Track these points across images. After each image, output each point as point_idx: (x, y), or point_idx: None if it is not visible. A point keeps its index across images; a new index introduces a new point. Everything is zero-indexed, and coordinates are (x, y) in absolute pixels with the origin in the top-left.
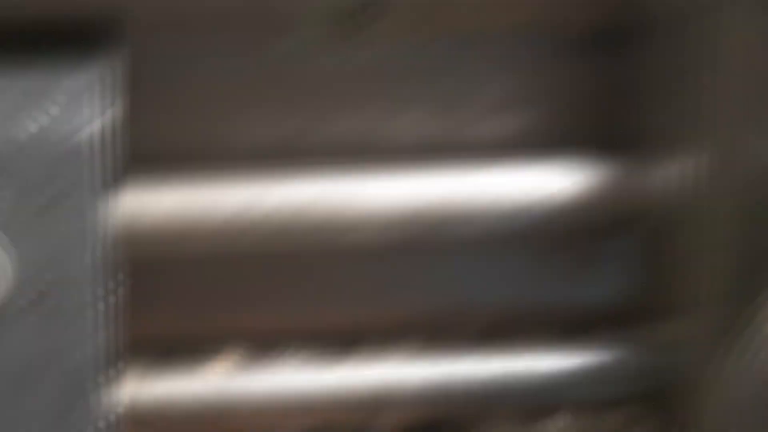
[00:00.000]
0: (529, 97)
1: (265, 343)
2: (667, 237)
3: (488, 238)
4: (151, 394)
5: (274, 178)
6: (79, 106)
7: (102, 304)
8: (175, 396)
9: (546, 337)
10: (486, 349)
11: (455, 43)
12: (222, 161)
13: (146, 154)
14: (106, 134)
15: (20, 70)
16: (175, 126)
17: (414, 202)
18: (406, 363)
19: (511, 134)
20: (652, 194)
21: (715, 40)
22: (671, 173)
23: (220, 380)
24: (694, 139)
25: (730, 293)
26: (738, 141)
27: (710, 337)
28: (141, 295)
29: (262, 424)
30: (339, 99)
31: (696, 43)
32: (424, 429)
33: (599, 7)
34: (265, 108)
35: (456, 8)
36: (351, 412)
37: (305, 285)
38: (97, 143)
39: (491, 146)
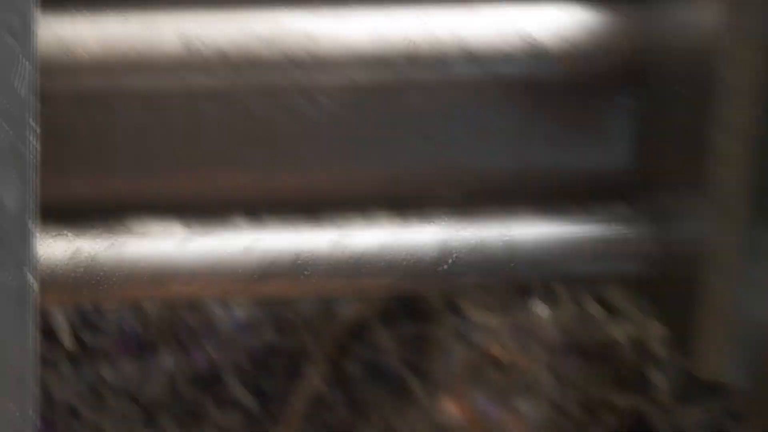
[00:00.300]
0: None
1: (216, 207)
2: (675, 94)
3: (468, 91)
4: (96, 250)
5: (232, 11)
6: None
7: (28, 142)
8: (123, 256)
9: (532, 206)
10: (467, 217)
11: None
12: None
13: None
14: None
15: None
16: None
17: (387, 42)
18: (376, 232)
19: None
20: (658, 42)
21: None
22: (683, 18)
23: (168, 243)
24: None
25: (748, 157)
26: None
27: (723, 208)
28: (75, 142)
29: (213, 290)
30: None
31: None
32: (398, 308)
33: None
34: None
35: None
36: (313, 284)
37: (261, 140)
38: None
39: None
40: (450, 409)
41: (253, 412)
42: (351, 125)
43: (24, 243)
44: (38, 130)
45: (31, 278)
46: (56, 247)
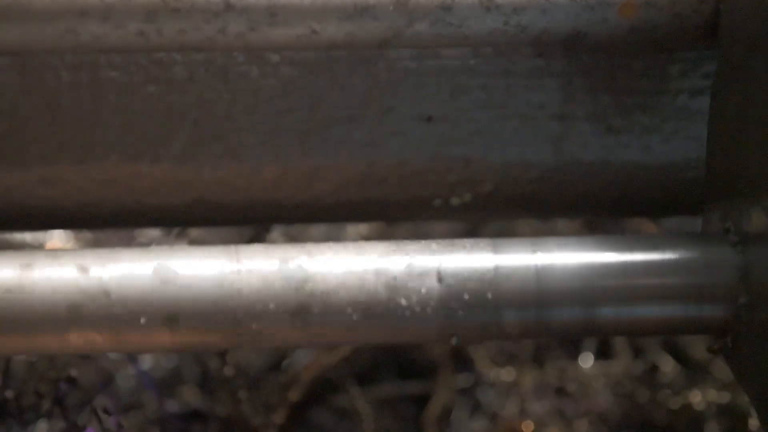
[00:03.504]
0: None
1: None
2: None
3: (486, 52)
4: None
5: None
6: None
7: None
8: None
9: (575, 219)
10: (483, 232)
11: None
12: None
13: None
14: None
15: None
16: None
17: None
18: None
19: None
20: None
21: None
22: None
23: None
24: None
25: None
26: None
27: None
28: None
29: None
30: None
31: None
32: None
33: None
34: None
35: None
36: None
37: (184, 120)
38: None
39: None
40: None
41: None
42: (315, 98)
43: None
44: None
45: None
46: None
